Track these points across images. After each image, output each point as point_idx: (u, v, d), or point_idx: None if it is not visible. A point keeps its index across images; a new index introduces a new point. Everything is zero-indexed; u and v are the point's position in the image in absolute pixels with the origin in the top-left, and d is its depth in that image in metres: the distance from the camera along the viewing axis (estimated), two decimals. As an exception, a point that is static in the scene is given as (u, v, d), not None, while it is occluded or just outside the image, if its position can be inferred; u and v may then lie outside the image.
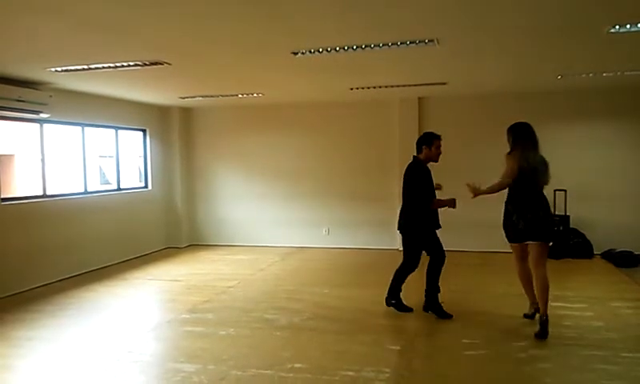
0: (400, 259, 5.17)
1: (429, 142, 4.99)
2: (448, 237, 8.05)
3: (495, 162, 7.97)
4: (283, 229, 9.18)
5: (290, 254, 8.44)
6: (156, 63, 5.17)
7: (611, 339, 4.33)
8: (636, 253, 7.30)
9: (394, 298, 5.23)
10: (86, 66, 5.31)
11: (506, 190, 4.66)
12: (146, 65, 5.23)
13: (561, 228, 7.60)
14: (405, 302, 5.22)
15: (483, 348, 4.18)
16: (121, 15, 3.61)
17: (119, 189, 8.28)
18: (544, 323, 4.36)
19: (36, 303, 5.76)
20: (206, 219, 9.56)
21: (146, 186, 9.01)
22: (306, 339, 4.50)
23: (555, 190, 7.85)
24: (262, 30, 4.08)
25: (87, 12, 3.53)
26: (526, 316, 4.89)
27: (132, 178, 10.77)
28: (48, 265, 6.69)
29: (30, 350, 4.44)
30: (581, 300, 5.49)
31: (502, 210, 4.72)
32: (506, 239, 4.76)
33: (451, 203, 4.94)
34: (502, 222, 4.75)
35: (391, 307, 5.23)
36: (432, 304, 5.05)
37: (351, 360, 3.97)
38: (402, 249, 5.18)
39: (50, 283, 6.63)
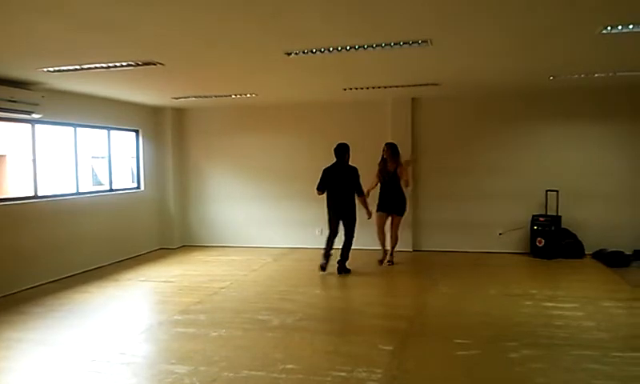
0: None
1: None
2: (440, 237, 8.25)
3: (487, 162, 8.18)
4: (276, 229, 9.17)
5: (283, 255, 8.43)
6: (149, 63, 5.15)
7: (602, 339, 4.35)
8: (627, 253, 7.34)
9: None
10: (78, 67, 5.28)
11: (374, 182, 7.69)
12: (138, 65, 5.20)
13: (552, 228, 7.64)
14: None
15: (475, 348, 4.20)
16: (114, 15, 3.59)
17: (111, 190, 8.24)
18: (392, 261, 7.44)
19: (27, 305, 5.72)
20: (198, 220, 9.53)
21: (138, 187, 8.97)
22: (299, 340, 4.49)
23: (547, 191, 7.91)
24: (256, 31, 4.08)
25: (79, 12, 3.51)
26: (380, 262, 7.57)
27: (124, 179, 10.70)
28: (39, 266, 6.64)
29: (21, 351, 4.41)
30: (572, 300, 5.52)
31: (396, 198, 7.45)
32: (377, 210, 7.51)
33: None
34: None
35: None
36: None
37: (343, 360, 3.98)
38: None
39: (41, 285, 6.58)
